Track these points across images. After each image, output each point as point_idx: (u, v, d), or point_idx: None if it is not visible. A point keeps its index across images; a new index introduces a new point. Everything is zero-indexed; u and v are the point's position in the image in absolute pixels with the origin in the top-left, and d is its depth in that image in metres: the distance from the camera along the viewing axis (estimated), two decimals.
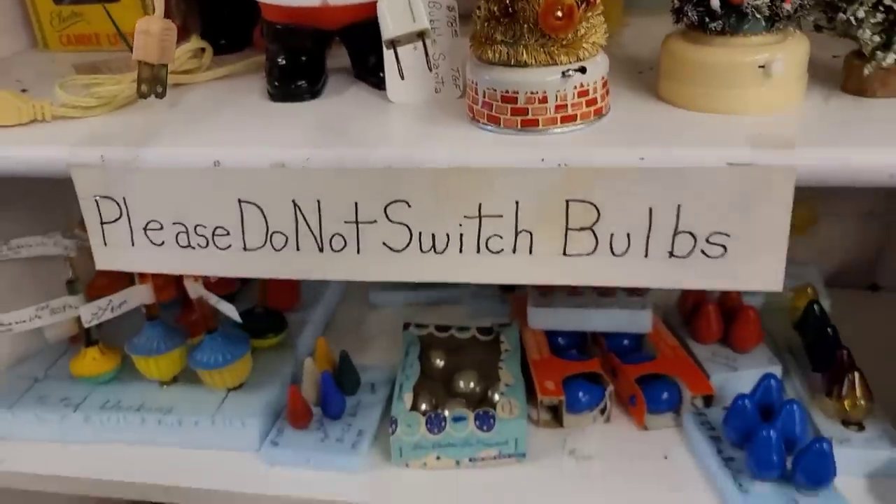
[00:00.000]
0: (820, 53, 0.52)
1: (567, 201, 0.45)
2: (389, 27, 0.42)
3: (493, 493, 0.58)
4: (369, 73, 0.57)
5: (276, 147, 0.48)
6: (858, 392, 0.57)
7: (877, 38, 0.46)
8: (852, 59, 0.49)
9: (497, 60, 0.46)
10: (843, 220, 0.80)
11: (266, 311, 0.73)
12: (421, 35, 0.43)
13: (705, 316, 0.67)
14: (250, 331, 0.69)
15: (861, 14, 0.46)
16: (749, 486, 0.54)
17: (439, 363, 0.69)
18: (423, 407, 0.63)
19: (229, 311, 0.61)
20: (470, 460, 0.61)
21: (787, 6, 0.46)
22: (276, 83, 0.56)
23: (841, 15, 0.47)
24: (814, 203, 0.76)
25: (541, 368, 0.66)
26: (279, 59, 0.56)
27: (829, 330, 0.64)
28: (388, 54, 0.51)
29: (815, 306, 0.66)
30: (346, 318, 0.84)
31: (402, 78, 0.49)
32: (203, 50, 0.62)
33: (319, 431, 0.63)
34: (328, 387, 0.64)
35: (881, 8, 0.46)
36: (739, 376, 0.64)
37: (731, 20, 0.46)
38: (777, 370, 0.64)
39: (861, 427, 0.58)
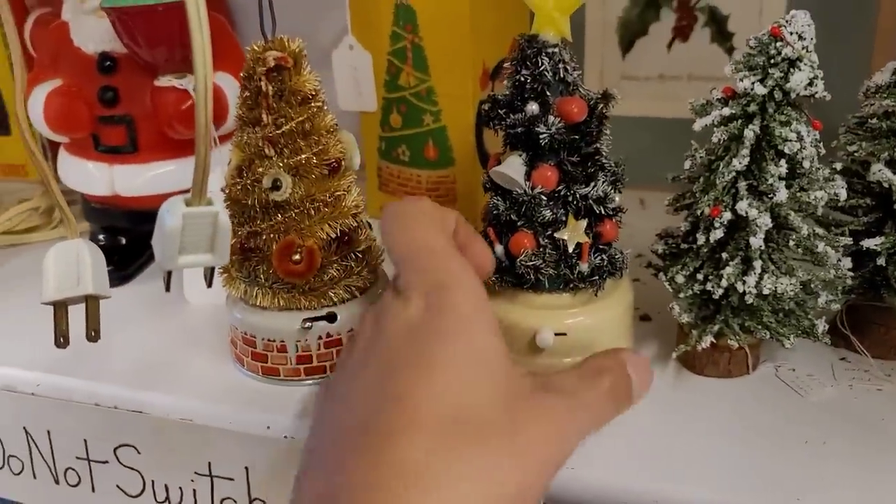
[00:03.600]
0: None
1: None
2: (50, 288, 0.35)
3: None
4: None
5: (9, 367, 0.43)
6: None
7: (686, 318, 0.37)
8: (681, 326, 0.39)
9: (238, 296, 0.40)
10: None
11: None
12: (89, 298, 0.36)
13: None
14: None
15: (679, 280, 0.37)
16: None
17: None
18: None
19: None
20: None
21: (584, 266, 0.37)
22: None
23: (662, 276, 0.38)
24: None
25: None
26: (99, 238, 0.53)
27: None
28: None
29: None
30: None
31: (209, 286, 0.43)
32: None
33: None
34: None
35: (699, 278, 0.37)
36: None
37: (510, 275, 0.38)
38: None
39: None
